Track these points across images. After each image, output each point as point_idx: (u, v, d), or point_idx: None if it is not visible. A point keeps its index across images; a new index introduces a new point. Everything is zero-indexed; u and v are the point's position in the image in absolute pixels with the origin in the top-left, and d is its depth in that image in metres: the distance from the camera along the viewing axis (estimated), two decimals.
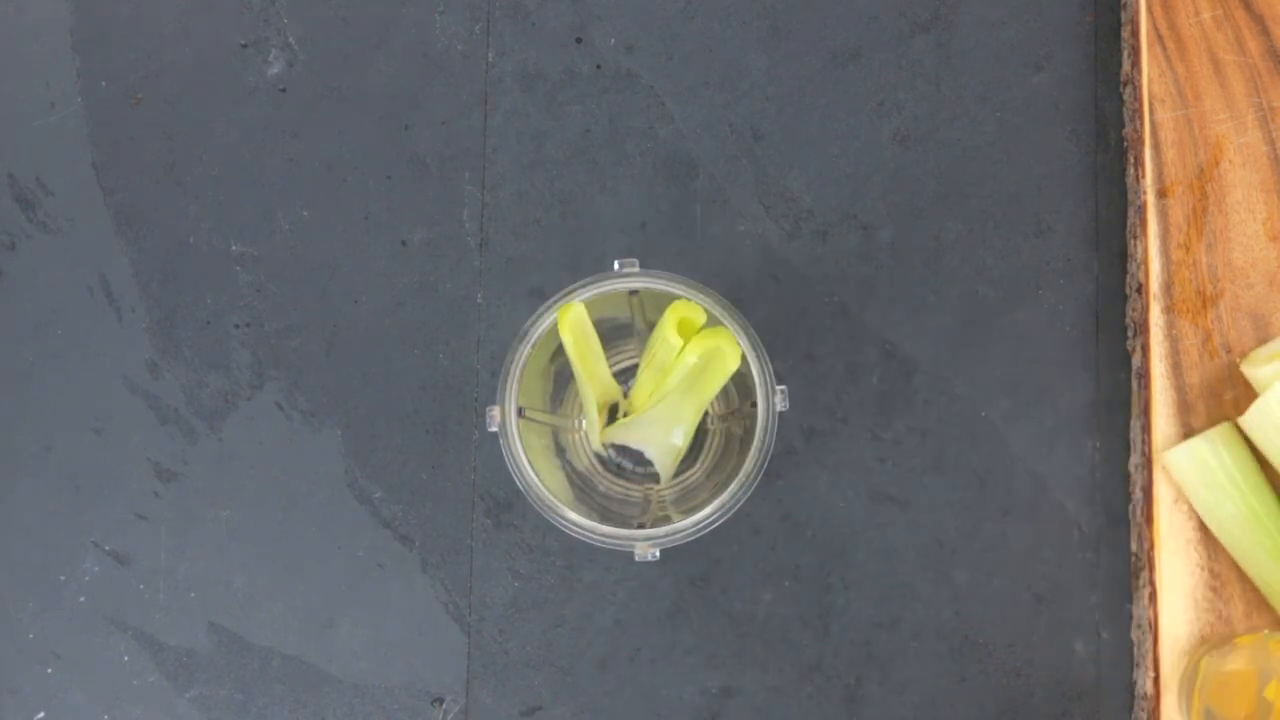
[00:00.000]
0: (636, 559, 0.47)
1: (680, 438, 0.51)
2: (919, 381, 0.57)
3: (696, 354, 0.48)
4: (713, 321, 0.49)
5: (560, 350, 0.48)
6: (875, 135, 0.58)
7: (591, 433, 0.53)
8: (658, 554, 0.48)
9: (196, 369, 0.59)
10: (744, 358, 0.47)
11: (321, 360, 0.59)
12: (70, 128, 0.60)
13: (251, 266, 0.59)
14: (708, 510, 0.47)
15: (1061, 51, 0.58)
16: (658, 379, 0.49)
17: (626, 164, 0.59)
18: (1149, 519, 0.54)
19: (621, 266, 0.48)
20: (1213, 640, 0.52)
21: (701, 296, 0.48)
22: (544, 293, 0.58)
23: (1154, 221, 0.55)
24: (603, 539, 0.47)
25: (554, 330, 0.47)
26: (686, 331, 0.48)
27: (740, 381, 0.51)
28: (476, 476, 0.58)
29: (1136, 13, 0.55)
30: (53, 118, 0.60)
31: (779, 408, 0.48)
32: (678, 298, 0.48)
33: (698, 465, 0.55)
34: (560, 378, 0.53)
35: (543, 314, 0.47)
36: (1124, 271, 0.57)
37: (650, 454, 0.52)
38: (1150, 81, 0.55)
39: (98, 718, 0.58)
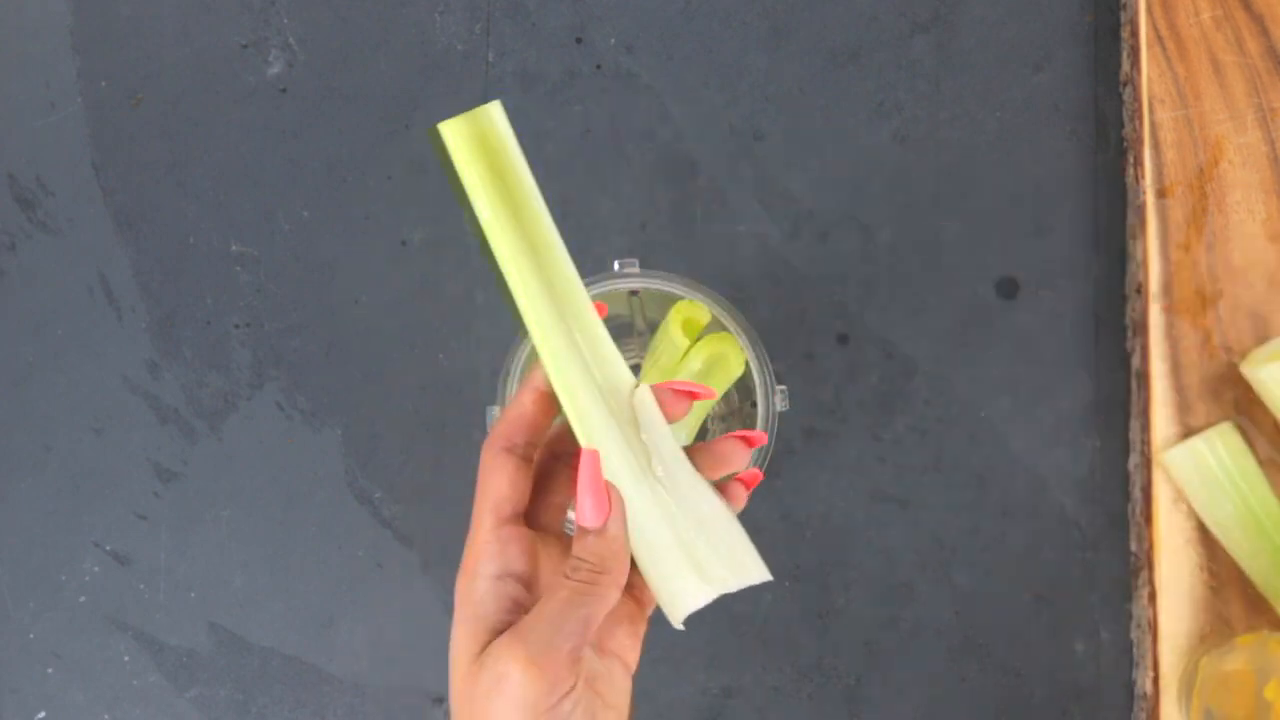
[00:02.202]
0: None
1: (682, 439, 0.51)
2: (919, 381, 0.57)
3: (701, 359, 0.48)
4: (716, 325, 0.48)
5: None
6: (875, 135, 0.58)
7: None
8: None
9: (196, 369, 0.59)
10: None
11: (321, 360, 0.58)
12: (70, 128, 0.60)
13: (251, 266, 0.59)
14: None
15: (1061, 51, 0.58)
16: (661, 380, 0.49)
17: (626, 164, 0.59)
18: (1148, 519, 0.54)
19: (621, 266, 0.48)
20: (1212, 640, 0.52)
21: (701, 297, 0.48)
22: None
23: (1154, 221, 0.55)
24: None
25: None
26: (691, 331, 0.48)
27: (740, 382, 0.51)
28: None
29: (1136, 13, 0.55)
30: (53, 118, 0.60)
31: (779, 408, 0.48)
32: (678, 298, 0.48)
33: None
34: None
35: None
36: (1124, 271, 0.57)
37: None
38: (1150, 81, 0.55)
39: (98, 718, 0.58)
